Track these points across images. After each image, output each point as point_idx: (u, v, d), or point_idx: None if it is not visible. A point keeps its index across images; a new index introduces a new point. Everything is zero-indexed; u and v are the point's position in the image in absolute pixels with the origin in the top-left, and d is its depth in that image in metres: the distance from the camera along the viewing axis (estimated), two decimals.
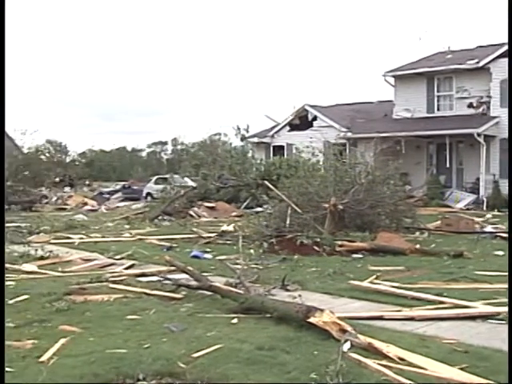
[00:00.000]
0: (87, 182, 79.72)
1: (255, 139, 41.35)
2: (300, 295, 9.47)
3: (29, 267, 12.93)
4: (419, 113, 36.11)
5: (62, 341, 7.24)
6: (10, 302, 9.56)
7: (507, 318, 8.07)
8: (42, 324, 8.20)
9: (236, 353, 6.73)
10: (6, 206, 35.06)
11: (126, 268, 13.08)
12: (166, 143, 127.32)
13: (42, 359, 6.57)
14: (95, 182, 78.33)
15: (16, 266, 13.08)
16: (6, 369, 6.25)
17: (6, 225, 22.62)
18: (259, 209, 25.90)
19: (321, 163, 27.42)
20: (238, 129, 38.43)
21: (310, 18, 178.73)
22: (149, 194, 44.69)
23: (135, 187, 55.01)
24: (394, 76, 37.56)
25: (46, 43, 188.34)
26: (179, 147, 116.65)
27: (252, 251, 14.94)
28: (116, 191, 53.31)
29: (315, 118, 39.22)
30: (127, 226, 23.59)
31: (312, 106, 40.18)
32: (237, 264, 12.21)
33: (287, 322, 7.91)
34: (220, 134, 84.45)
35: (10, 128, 55.32)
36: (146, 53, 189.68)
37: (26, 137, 45.77)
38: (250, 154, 37.76)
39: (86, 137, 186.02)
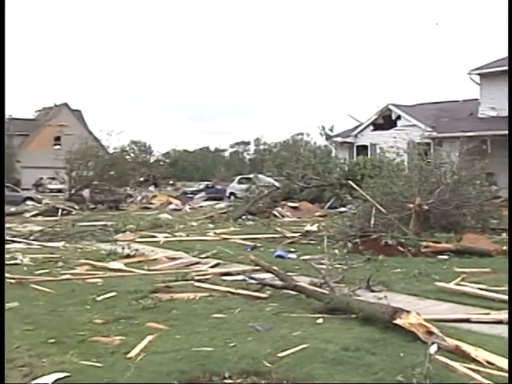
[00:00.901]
0: (171, 182, 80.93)
1: (338, 139, 41.18)
2: (385, 296, 9.31)
3: (115, 265, 13.16)
4: (505, 111, 35.16)
5: (149, 338, 7.31)
6: (98, 298, 9.75)
7: None
8: (129, 321, 8.31)
9: (321, 353, 6.66)
10: (93, 205, 35.97)
11: (211, 267, 13.14)
12: (248, 143, 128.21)
13: (129, 355, 6.65)
14: (179, 182, 79.43)
15: (103, 264, 13.36)
16: (95, 364, 6.37)
17: (94, 223, 23.24)
18: (343, 209, 25.75)
19: (405, 163, 27.05)
20: (323, 128, 38.30)
21: (392, 15, 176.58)
22: (232, 193, 45.04)
23: (218, 187, 55.58)
24: (479, 74, 36.79)
25: (133, 44, 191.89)
26: (261, 147, 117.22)
27: (336, 251, 14.82)
28: (199, 191, 53.96)
29: (399, 118, 38.79)
30: (211, 226, 23.75)
31: (396, 106, 39.77)
32: (321, 264, 12.13)
33: (373, 323, 7.79)
34: (302, 134, 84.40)
35: (95, 129, 56.75)
36: (235, 54, 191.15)
37: (111, 137, 46.82)
38: (333, 154, 37.56)
39: (170, 137, 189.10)
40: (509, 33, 12.63)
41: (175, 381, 5.84)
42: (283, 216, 27.20)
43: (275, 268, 10.75)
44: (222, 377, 5.95)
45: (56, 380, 5.93)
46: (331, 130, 37.95)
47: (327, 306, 8.74)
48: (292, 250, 15.78)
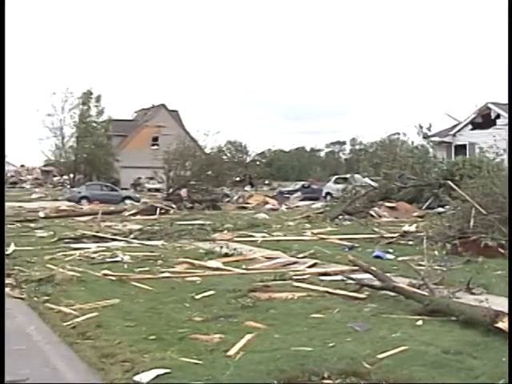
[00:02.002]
0: (267, 182, 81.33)
1: (436, 138, 40.40)
2: (487, 299, 9.04)
3: (214, 264, 13.26)
4: None
5: (248, 336, 7.32)
6: (197, 296, 9.83)
7: None
8: (227, 319, 8.35)
9: (421, 355, 6.54)
10: (190, 205, 36.45)
11: (309, 267, 13.08)
12: (344, 143, 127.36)
13: (229, 353, 6.68)
14: (274, 182, 79.67)
15: (202, 263, 13.49)
16: (195, 361, 6.41)
17: (192, 222, 23.52)
18: (441, 209, 25.23)
19: (505, 163, 26.30)
20: (421, 127, 37.59)
21: (488, 9, 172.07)
22: (328, 193, 44.83)
23: (314, 187, 55.52)
24: None
25: (229, 45, 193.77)
26: (357, 147, 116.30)
27: (436, 252, 14.50)
28: (295, 190, 53.97)
29: (498, 116, 37.81)
30: (308, 225, 23.69)
31: (495, 104, 38.74)
32: (420, 265, 11.90)
33: (473, 326, 7.59)
34: (399, 134, 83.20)
35: (192, 129, 57.49)
36: (331, 52, 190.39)
37: (208, 137, 47.36)
38: (430, 154, 36.87)
39: (265, 137, 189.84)
40: (509, 33, 12.32)
41: (274, 380, 5.83)
42: (380, 216, 26.87)
43: (374, 268, 10.61)
44: (320, 377, 5.91)
45: (157, 376, 6.00)
46: (429, 130, 37.05)
47: (427, 307, 8.57)
48: (390, 250, 15.55)
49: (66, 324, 8.35)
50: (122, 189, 52.68)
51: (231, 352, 6.71)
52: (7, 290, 10.70)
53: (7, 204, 33.44)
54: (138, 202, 42.41)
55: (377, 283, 10.03)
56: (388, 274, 10.94)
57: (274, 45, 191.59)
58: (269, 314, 8.68)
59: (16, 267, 12.93)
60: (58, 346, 7.49)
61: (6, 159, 77.61)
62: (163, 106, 79.97)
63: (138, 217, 29.15)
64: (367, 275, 10.51)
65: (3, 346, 6.54)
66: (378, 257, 14.41)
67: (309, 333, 7.58)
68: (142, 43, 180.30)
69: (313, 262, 13.78)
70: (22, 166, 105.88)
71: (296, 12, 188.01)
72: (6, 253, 14.96)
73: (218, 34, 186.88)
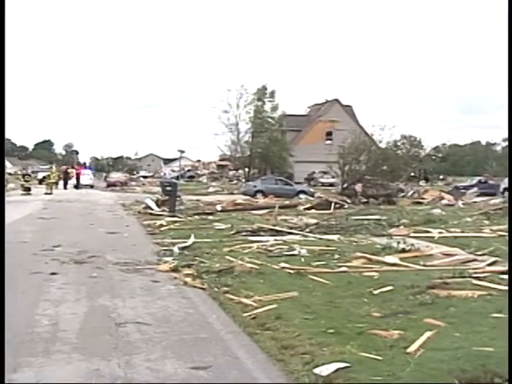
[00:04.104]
0: (441, 177, 79.40)
1: None
2: None
3: (391, 259, 13.13)
4: None
5: (428, 334, 7.22)
6: (375, 292, 9.80)
7: None
8: (406, 316, 8.28)
9: None
10: (365, 199, 36.28)
11: (489, 264, 12.67)
12: None
13: (408, 350, 6.62)
14: (449, 177, 77.69)
15: (378, 258, 13.40)
16: (374, 356, 6.41)
17: (367, 217, 23.40)
18: None
19: None
20: None
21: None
22: (506, 188, 43.08)
23: (491, 182, 53.70)
24: None
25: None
26: None
27: None
28: (472, 186, 52.40)
29: None
30: (486, 222, 22.91)
31: None
32: None
33: None
34: None
35: (366, 123, 57.03)
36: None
37: (384, 132, 46.81)
38: None
39: (439, 131, 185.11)
40: (509, 33, 11.31)
41: (455, 379, 5.71)
42: None
43: None
44: (504, 378, 5.71)
45: (337, 369, 6.06)
46: None
47: None
48: None
49: (245, 315, 8.57)
50: (296, 183, 53.18)
51: (411, 349, 6.65)
52: (188, 279, 11.15)
53: (185, 197, 34.85)
54: (312, 196, 42.68)
55: None
56: None
57: (455, 38, 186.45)
58: (448, 311, 8.51)
59: (196, 258, 13.45)
60: (239, 335, 7.70)
61: (183, 154, 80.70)
62: (337, 100, 79.96)
63: (312, 211, 29.36)
64: None
65: (3, 345, 6.66)
66: None
67: (490, 333, 7.35)
68: (313, 39, 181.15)
69: (493, 259, 13.30)
70: (199, 160, 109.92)
71: None
72: (186, 244, 15.59)
73: (387, 29, 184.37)
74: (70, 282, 10.97)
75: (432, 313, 8.35)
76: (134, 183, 72.68)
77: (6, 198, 38.73)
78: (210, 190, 56.19)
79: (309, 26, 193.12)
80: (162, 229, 20.41)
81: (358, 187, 38.72)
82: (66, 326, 7.97)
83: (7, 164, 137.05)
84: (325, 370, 6.05)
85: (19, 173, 63.67)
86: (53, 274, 11.68)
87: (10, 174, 73.46)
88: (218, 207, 30.11)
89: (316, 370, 6.11)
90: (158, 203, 29.21)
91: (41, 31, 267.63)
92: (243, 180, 67.48)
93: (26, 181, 46.78)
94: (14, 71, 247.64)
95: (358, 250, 14.76)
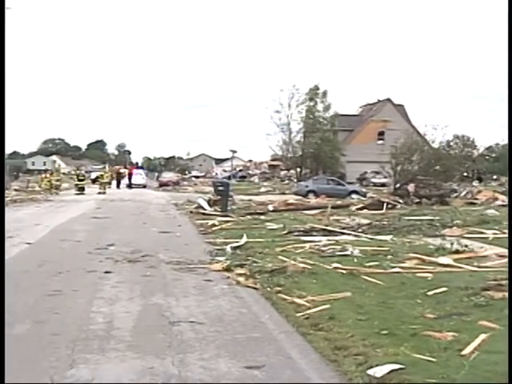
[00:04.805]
0: (495, 177, 78.16)
1: None
2: None
3: (444, 260, 12.97)
4: None
5: (482, 336, 7.13)
6: (429, 293, 9.70)
7: None
8: (460, 317, 8.19)
9: None
10: (417, 200, 35.91)
11: None
12: None
13: (463, 352, 6.56)
14: (503, 177, 76.49)
15: (432, 259, 13.27)
16: (428, 358, 6.36)
17: (420, 218, 23.17)
18: None
19: None
20: None
21: None
22: None
23: None
24: None
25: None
26: None
27: None
28: None
29: None
30: None
31: None
32: None
33: None
34: None
35: (418, 123, 56.44)
36: None
37: (436, 132, 46.29)
38: None
39: (492, 131, 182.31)
40: (509, 33, 10.96)
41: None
42: None
43: None
44: None
45: (391, 371, 6.02)
46: None
47: None
48: None
49: (298, 315, 8.58)
50: (348, 183, 52.98)
51: (466, 351, 6.58)
52: (241, 279, 11.20)
53: (237, 197, 34.98)
54: (364, 196, 42.50)
55: None
56: None
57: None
58: (503, 313, 8.33)
59: (249, 258, 13.49)
60: (292, 335, 7.71)
61: (235, 154, 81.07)
62: (389, 100, 79.38)
63: (364, 211, 29.20)
64: None
65: (3, 345, 6.65)
66: None
67: None
68: (365, 38, 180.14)
69: None
70: (250, 160, 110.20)
71: None
72: (238, 244, 15.65)
73: (440, 27, 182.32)
74: (124, 280, 11.11)
75: (487, 315, 8.24)
76: (185, 183, 73.24)
77: (61, 198, 39.60)
78: (262, 189, 56.30)
79: (361, 26, 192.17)
80: (214, 228, 20.53)
81: (411, 187, 38.36)
82: (120, 324, 8.07)
83: (61, 164, 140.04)
84: (379, 372, 6.02)
85: (73, 172, 64.66)
86: (107, 272, 11.86)
87: (63, 173, 74.90)
88: (270, 207, 30.15)
89: (370, 372, 6.08)
90: (210, 203, 29.41)
91: (97, 33, 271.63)
92: (295, 180, 67.45)
93: (80, 180, 47.49)
94: (68, 73, 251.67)
95: (411, 250, 14.61)
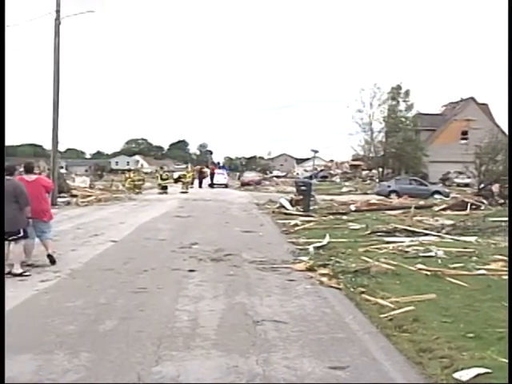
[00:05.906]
0: None
1: None
2: None
3: None
4: None
5: None
6: None
7: None
8: None
9: None
10: (502, 200, 35.09)
11: None
12: None
13: None
14: None
15: None
16: None
17: (505, 219, 22.61)
18: None
19: None
20: None
21: None
22: None
23: None
24: None
25: None
26: None
27: None
28: None
29: None
30: None
31: None
32: None
33: None
34: None
35: (503, 122, 55.07)
36: None
37: None
38: None
39: None
40: (509, 33, 10.26)
41: None
42: None
43: None
44: None
45: (477, 375, 5.95)
46: None
47: None
48: None
49: (382, 316, 8.54)
50: (431, 183, 52.18)
51: None
52: (324, 279, 11.20)
53: (319, 197, 34.91)
54: (447, 196, 41.78)
55: None
56: None
57: None
58: None
59: (332, 258, 13.47)
60: (376, 336, 7.68)
61: (317, 154, 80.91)
62: (472, 99, 77.73)
63: (448, 212, 28.74)
64: None
65: (3, 345, 6.62)
66: None
67: None
68: (446, 37, 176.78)
69: None
70: (332, 160, 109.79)
71: None
72: (321, 244, 15.63)
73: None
74: (208, 279, 11.23)
75: None
76: (267, 183, 73.41)
77: (144, 197, 40.26)
78: (344, 189, 55.98)
79: (444, 23, 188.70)
80: (297, 228, 20.54)
81: (495, 188, 37.60)
82: (205, 322, 8.18)
83: (144, 163, 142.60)
84: (465, 375, 5.96)
85: (156, 172, 65.68)
86: (191, 270, 12.01)
87: (145, 173, 76.29)
88: (352, 207, 29.95)
89: (456, 375, 6.03)
90: (292, 203, 29.44)
91: (181, 36, 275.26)
92: (377, 180, 66.81)
93: (163, 179, 48.17)
94: (151, 75, 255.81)
95: (497, 252, 14.34)
